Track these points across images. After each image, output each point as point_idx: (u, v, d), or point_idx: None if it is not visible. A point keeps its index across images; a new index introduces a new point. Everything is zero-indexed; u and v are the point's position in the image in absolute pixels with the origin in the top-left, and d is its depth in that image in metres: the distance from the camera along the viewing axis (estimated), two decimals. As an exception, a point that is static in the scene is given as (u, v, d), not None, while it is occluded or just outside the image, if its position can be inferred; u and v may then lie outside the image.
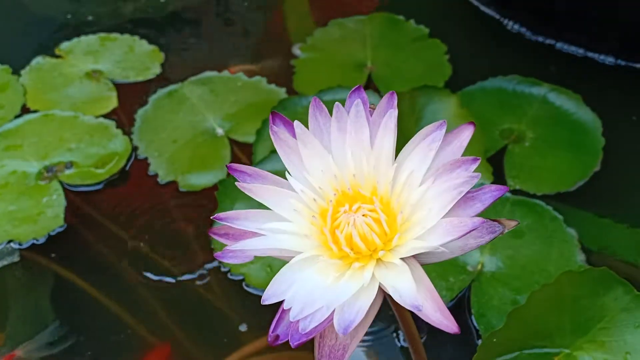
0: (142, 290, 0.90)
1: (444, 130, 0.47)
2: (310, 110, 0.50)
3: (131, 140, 1.05)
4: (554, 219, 0.88)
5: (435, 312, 0.43)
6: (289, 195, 0.48)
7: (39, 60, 1.21)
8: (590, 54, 1.13)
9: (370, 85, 1.09)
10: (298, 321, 0.42)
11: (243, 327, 0.83)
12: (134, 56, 1.22)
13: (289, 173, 0.48)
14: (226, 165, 0.49)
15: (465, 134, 0.48)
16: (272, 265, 0.85)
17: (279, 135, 0.49)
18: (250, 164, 1.01)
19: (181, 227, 0.94)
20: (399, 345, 0.81)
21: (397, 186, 0.47)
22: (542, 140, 1.00)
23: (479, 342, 0.79)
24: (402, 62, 1.11)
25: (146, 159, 1.02)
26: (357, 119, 0.48)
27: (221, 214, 0.46)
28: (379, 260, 0.46)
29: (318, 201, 0.48)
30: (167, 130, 1.06)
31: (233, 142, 1.04)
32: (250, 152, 1.03)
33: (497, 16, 1.20)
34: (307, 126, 0.49)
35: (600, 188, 0.95)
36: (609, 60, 1.12)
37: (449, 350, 0.83)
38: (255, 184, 0.48)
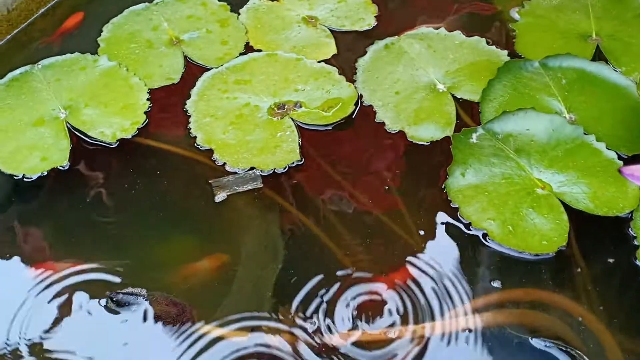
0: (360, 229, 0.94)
1: None
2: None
3: (355, 88, 1.09)
4: None
5: None
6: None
7: (255, 1, 1.27)
8: None
9: (599, 57, 1.08)
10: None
11: (496, 284, 0.87)
12: (346, 6, 1.25)
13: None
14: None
15: None
16: (514, 225, 0.88)
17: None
18: (475, 122, 1.03)
19: (413, 178, 0.98)
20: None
21: None
22: None
23: None
24: (629, 37, 1.10)
25: (371, 107, 1.07)
26: None
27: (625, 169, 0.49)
28: None
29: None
30: (388, 82, 1.10)
31: (455, 99, 1.07)
32: (472, 110, 1.05)
33: None
34: None
35: None
36: None
37: None
38: None
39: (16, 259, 0.93)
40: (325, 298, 0.86)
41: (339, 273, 0.89)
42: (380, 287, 0.88)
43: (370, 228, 0.94)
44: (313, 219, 0.96)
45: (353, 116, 1.06)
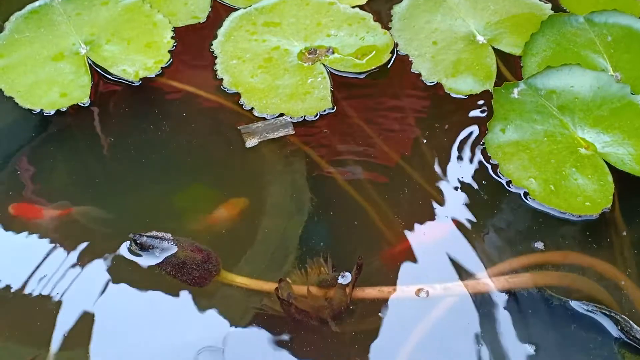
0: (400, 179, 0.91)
1: None
2: None
3: (391, 36, 1.04)
4: None
5: None
6: None
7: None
8: None
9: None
10: None
11: (539, 245, 0.84)
12: (381, -50, 1.19)
13: None
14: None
15: None
16: (556, 185, 0.84)
17: None
18: (516, 77, 0.98)
19: (450, 132, 0.94)
20: None
21: None
22: None
23: None
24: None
25: (407, 56, 1.02)
26: None
27: None
28: None
29: None
30: (425, 31, 1.05)
31: (495, 52, 1.01)
32: (512, 64, 1.00)
33: None
34: None
35: None
36: None
37: None
38: None
39: (28, 198, 0.90)
40: (357, 252, 0.83)
41: (370, 229, 0.86)
42: (415, 242, 0.85)
43: (402, 183, 0.90)
44: (341, 171, 0.92)
45: (388, 66, 1.01)
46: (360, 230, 0.86)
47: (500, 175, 0.87)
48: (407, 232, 0.86)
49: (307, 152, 0.94)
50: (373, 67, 1.00)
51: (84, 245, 0.84)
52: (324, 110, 0.95)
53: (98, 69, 1.00)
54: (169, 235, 0.81)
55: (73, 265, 0.82)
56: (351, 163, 0.93)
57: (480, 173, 0.89)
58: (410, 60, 1.00)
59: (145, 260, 0.81)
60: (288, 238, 0.87)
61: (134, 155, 0.93)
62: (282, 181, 0.93)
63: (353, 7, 1.08)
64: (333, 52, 1.02)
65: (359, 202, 0.89)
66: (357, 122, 0.96)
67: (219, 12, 1.10)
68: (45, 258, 0.83)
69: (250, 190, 0.91)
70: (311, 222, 0.87)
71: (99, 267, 0.82)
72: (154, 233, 0.81)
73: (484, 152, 0.89)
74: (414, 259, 0.83)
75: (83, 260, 0.83)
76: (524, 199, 0.85)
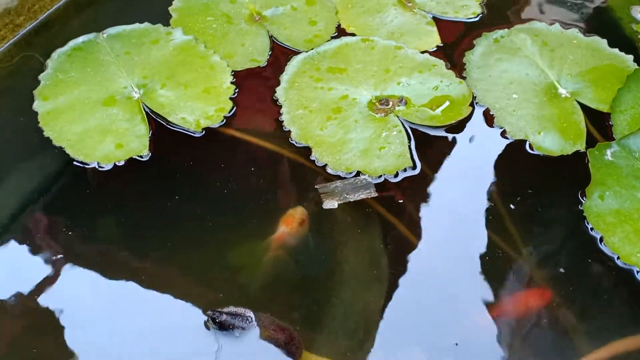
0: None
1: None
2: None
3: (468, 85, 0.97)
4: None
5: None
6: None
7: (342, -22, 1.14)
8: None
9: None
10: None
11: None
12: (446, -10, 1.13)
13: None
14: None
15: None
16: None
17: None
18: (603, 135, 0.92)
19: (542, 196, 0.87)
20: None
21: None
22: None
23: None
24: None
25: (486, 109, 0.95)
26: None
27: None
28: None
29: None
30: (502, 81, 0.98)
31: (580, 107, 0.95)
32: (599, 120, 0.94)
33: None
34: None
35: None
36: None
37: None
38: None
39: (92, 254, 0.81)
40: (451, 340, 0.76)
41: (455, 301, 0.79)
42: (507, 313, 0.78)
43: (491, 252, 0.83)
44: (420, 236, 0.85)
45: (470, 119, 0.94)
46: (448, 303, 0.80)
47: (606, 248, 0.81)
48: (496, 305, 0.79)
49: (382, 213, 0.87)
50: (453, 121, 0.93)
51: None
52: (404, 169, 0.88)
53: (154, 117, 0.92)
54: (249, 312, 0.73)
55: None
56: (431, 227, 0.86)
57: (579, 244, 0.82)
58: (492, 114, 0.94)
59: (223, 340, 0.73)
60: (369, 311, 0.79)
61: (204, 212, 0.84)
62: (357, 244, 0.85)
63: (422, 52, 1.02)
64: (406, 103, 0.95)
65: (441, 271, 0.82)
66: (436, 181, 0.89)
67: (278, 55, 1.03)
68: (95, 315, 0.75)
69: (324, 254, 0.83)
70: (392, 296, 0.80)
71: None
72: (233, 309, 0.73)
73: (580, 219, 0.83)
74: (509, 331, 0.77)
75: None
76: (638, 276, 0.79)
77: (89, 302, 0.78)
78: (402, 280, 0.81)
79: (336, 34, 1.05)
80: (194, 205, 0.85)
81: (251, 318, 0.73)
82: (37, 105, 0.92)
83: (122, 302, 0.78)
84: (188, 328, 0.74)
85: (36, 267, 0.80)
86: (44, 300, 0.78)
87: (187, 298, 0.78)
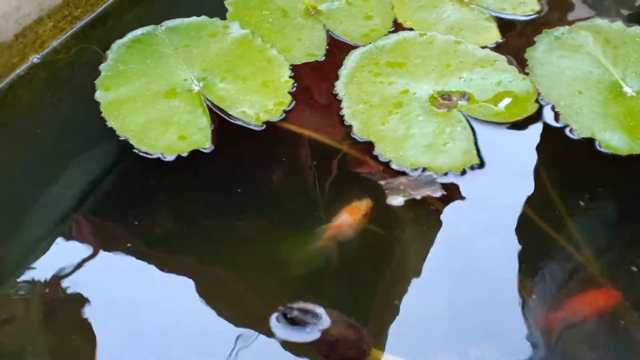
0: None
1: None
2: None
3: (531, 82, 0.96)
4: None
5: None
6: None
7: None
8: None
9: None
10: None
11: None
12: (504, -14, 1.12)
13: None
14: None
15: None
16: None
17: None
18: (673, 134, 0.90)
19: (611, 199, 0.85)
20: None
21: None
22: None
23: None
24: None
25: (551, 105, 0.93)
26: None
27: None
28: None
29: None
30: (565, 78, 0.96)
31: (646, 106, 0.94)
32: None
33: None
34: None
35: None
36: None
37: None
38: None
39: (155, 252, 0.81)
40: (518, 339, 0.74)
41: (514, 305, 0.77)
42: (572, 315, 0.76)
43: (556, 254, 0.82)
44: (480, 235, 0.83)
45: (539, 116, 0.92)
46: (510, 304, 0.78)
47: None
48: (562, 306, 0.77)
49: (442, 210, 0.85)
50: (518, 117, 0.91)
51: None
52: (471, 166, 0.87)
53: (214, 109, 0.92)
54: (320, 309, 0.72)
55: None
56: (495, 227, 0.84)
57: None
58: (557, 111, 0.92)
59: (293, 336, 0.72)
60: (435, 310, 0.78)
61: (266, 206, 0.84)
62: (417, 242, 0.84)
63: (482, 47, 1.01)
64: (468, 98, 0.94)
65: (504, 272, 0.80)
66: (502, 179, 0.87)
67: (334, 49, 1.02)
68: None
69: (386, 249, 0.82)
70: (456, 293, 0.79)
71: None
72: (303, 305, 0.72)
73: (654, 221, 0.82)
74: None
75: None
76: None
77: (144, 292, 0.78)
78: (464, 280, 0.80)
79: (393, 28, 1.04)
80: (255, 199, 0.84)
81: (321, 315, 0.72)
82: (98, 95, 0.91)
83: (179, 295, 0.77)
84: (258, 322, 0.74)
85: (92, 257, 0.80)
86: (97, 288, 0.77)
87: (252, 293, 0.77)
